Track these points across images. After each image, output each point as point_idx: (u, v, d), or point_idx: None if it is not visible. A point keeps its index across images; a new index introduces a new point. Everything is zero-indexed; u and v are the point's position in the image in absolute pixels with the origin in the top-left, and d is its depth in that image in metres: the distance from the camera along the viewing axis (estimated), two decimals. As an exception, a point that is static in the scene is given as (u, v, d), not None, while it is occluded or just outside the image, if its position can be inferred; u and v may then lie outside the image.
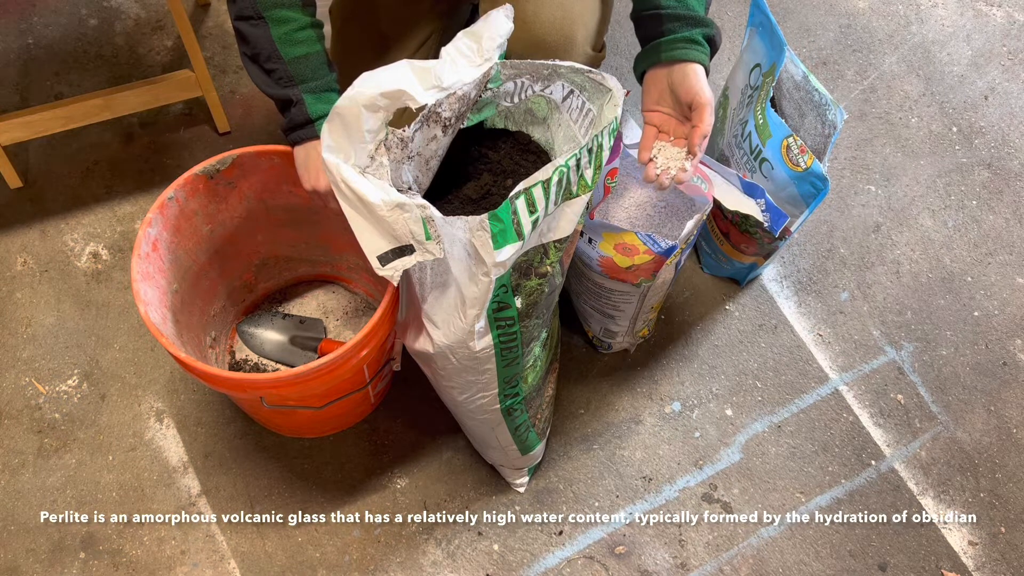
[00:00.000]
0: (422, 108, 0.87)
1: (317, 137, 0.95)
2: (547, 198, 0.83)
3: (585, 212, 0.94)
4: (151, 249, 1.02)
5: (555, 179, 0.83)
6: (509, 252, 0.83)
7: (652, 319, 1.36)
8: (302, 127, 0.96)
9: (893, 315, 1.48)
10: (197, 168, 1.04)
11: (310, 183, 0.97)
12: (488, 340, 0.93)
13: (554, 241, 0.89)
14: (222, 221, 1.14)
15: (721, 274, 1.48)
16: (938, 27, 1.81)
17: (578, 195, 0.88)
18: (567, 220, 0.89)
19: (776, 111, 1.27)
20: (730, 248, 1.38)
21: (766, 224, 1.16)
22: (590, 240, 1.13)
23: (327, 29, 1.23)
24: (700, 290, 1.47)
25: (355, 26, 1.24)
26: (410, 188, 0.92)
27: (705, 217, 1.16)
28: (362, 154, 0.83)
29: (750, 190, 1.15)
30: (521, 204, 0.81)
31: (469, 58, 0.89)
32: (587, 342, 1.40)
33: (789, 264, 1.52)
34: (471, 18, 1.37)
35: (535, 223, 0.83)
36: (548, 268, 0.91)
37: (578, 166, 0.86)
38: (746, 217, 1.17)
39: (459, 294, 0.88)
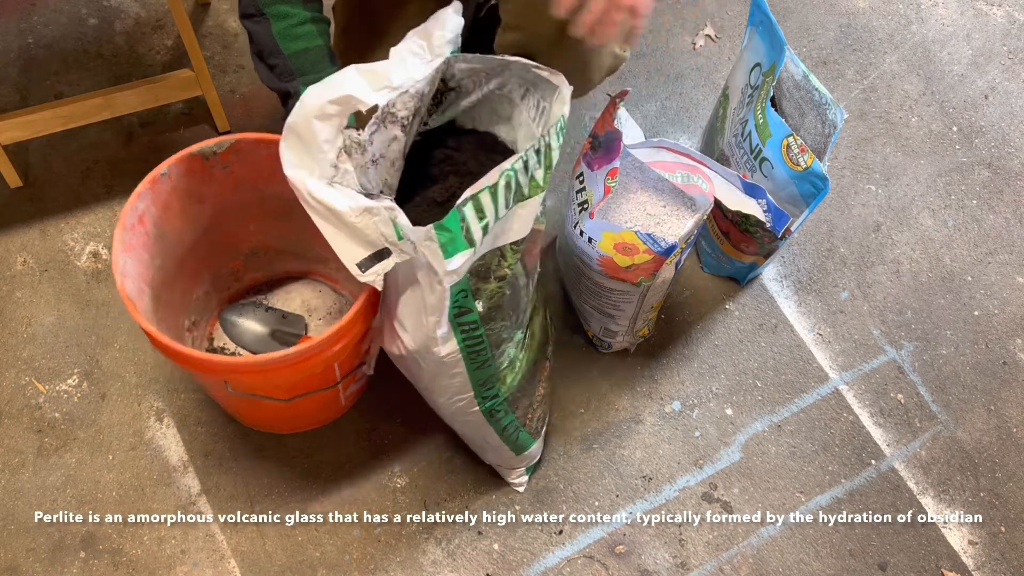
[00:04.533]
0: (374, 110, 0.87)
1: None
2: (496, 203, 0.83)
3: (543, 212, 0.94)
4: (137, 221, 1.01)
5: (502, 183, 0.83)
6: (461, 260, 0.82)
7: (652, 318, 1.36)
8: None
9: (893, 314, 1.48)
10: (194, 148, 1.03)
11: None
12: (453, 345, 0.93)
13: (510, 244, 0.89)
14: (214, 204, 1.13)
15: (721, 273, 1.48)
16: (938, 26, 1.81)
17: (531, 196, 0.88)
18: (521, 222, 0.89)
19: (776, 110, 1.27)
20: (730, 248, 1.38)
21: (768, 224, 1.16)
22: (590, 240, 1.13)
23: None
24: (700, 290, 1.47)
25: (357, 23, 1.24)
26: (381, 192, 0.93)
27: (705, 217, 1.16)
28: (324, 164, 0.84)
29: (751, 190, 1.15)
30: (470, 211, 0.81)
31: (419, 55, 0.89)
32: (587, 341, 1.40)
33: (789, 264, 1.52)
34: (477, 14, 1.37)
35: (485, 229, 0.83)
36: (507, 271, 0.91)
37: (526, 168, 0.86)
38: (746, 217, 1.17)
39: (423, 300, 0.88)
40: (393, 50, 0.88)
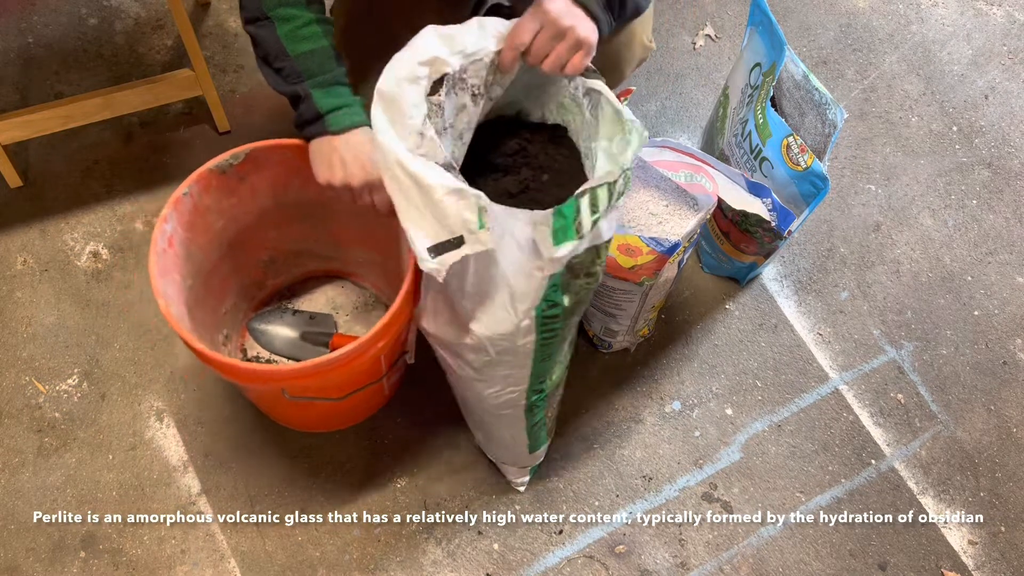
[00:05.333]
0: (445, 74, 0.87)
1: (328, 132, 0.95)
2: (610, 200, 0.83)
3: None
4: (167, 245, 1.01)
5: (621, 181, 0.83)
6: (567, 249, 0.82)
7: (653, 318, 1.36)
8: (312, 123, 0.97)
9: (893, 314, 1.48)
10: (211, 163, 1.04)
11: (324, 177, 0.97)
12: (532, 335, 0.92)
13: (604, 241, 0.89)
14: (234, 216, 1.13)
15: (721, 273, 1.48)
16: (938, 26, 1.81)
17: (623, 193, 0.88)
18: (615, 221, 0.89)
19: (776, 110, 1.27)
20: (730, 247, 1.38)
21: (773, 224, 1.16)
22: (591, 239, 1.13)
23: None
24: (700, 289, 1.47)
25: (362, 26, 1.24)
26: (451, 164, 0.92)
27: (708, 216, 1.16)
28: (411, 132, 0.83)
29: (756, 190, 1.15)
30: (585, 203, 0.81)
31: (498, 28, 0.89)
32: (587, 341, 1.40)
33: (789, 263, 1.52)
34: (475, 13, 1.37)
35: (595, 223, 0.83)
36: (597, 267, 0.91)
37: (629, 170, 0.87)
38: (746, 216, 1.17)
39: (508, 288, 0.87)
40: (473, 19, 0.88)
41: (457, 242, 0.82)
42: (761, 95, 1.20)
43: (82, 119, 1.39)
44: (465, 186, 0.80)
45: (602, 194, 0.82)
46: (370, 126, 0.89)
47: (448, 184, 0.80)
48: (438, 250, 0.82)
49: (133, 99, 1.39)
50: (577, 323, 1.01)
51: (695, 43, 1.73)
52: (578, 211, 0.81)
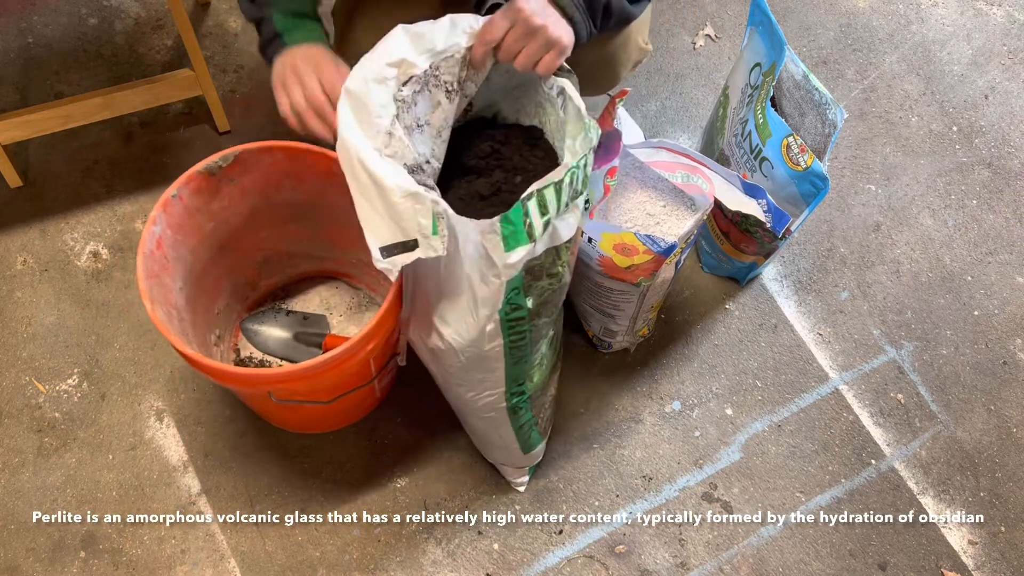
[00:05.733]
0: (413, 76, 0.87)
1: (285, 46, 0.97)
2: (559, 200, 0.83)
3: (585, 210, 0.93)
4: (155, 247, 1.01)
5: (567, 181, 0.83)
6: (520, 254, 0.82)
7: (652, 318, 1.36)
8: (270, 43, 0.98)
9: (893, 314, 1.48)
10: (200, 165, 1.04)
11: (283, 104, 0.97)
12: (499, 339, 0.92)
13: (564, 242, 0.89)
14: (225, 218, 1.13)
15: (721, 273, 1.48)
16: (938, 26, 1.81)
17: (582, 192, 0.88)
18: (575, 220, 0.89)
19: (776, 110, 1.27)
20: (730, 247, 1.38)
21: (768, 224, 1.16)
22: (590, 240, 1.13)
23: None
24: (700, 289, 1.47)
25: (359, 25, 1.24)
26: (428, 161, 0.92)
27: (705, 217, 1.16)
28: (379, 132, 0.83)
29: (751, 191, 1.15)
30: (533, 206, 0.81)
31: (470, 24, 0.89)
32: (587, 341, 1.40)
33: (789, 263, 1.52)
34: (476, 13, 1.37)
35: (546, 225, 0.83)
36: (560, 268, 0.91)
37: (586, 165, 0.86)
38: (746, 216, 1.17)
39: (471, 293, 0.88)
40: (447, 16, 0.88)
41: (411, 245, 0.82)
42: (761, 95, 1.20)
43: (82, 119, 1.39)
44: (422, 190, 0.80)
45: (550, 195, 0.81)
46: (328, 47, 0.88)
47: (406, 187, 0.80)
48: (390, 251, 0.83)
49: (133, 99, 1.39)
50: (550, 324, 1.01)
51: (695, 43, 1.73)
52: (527, 214, 0.81)
